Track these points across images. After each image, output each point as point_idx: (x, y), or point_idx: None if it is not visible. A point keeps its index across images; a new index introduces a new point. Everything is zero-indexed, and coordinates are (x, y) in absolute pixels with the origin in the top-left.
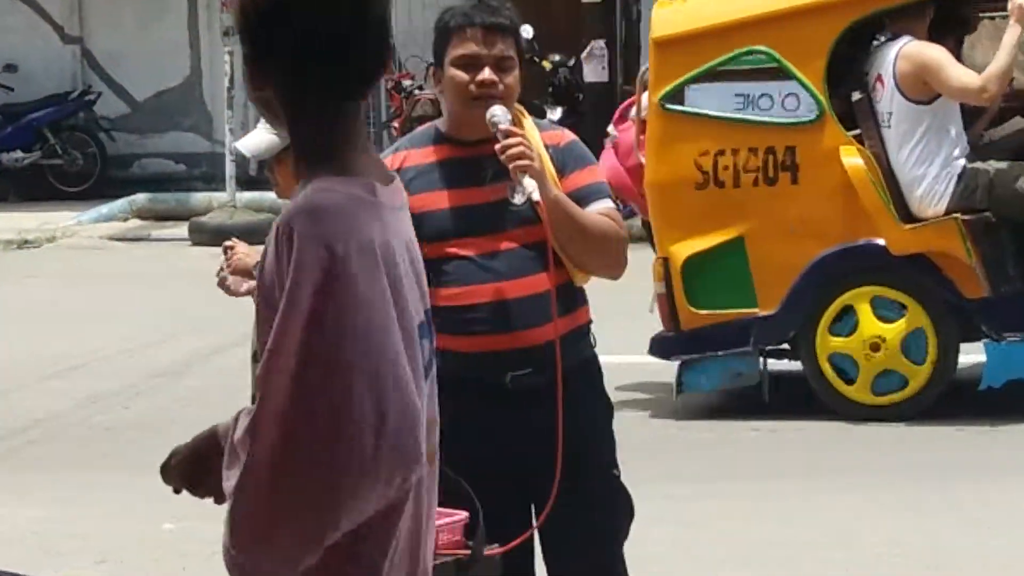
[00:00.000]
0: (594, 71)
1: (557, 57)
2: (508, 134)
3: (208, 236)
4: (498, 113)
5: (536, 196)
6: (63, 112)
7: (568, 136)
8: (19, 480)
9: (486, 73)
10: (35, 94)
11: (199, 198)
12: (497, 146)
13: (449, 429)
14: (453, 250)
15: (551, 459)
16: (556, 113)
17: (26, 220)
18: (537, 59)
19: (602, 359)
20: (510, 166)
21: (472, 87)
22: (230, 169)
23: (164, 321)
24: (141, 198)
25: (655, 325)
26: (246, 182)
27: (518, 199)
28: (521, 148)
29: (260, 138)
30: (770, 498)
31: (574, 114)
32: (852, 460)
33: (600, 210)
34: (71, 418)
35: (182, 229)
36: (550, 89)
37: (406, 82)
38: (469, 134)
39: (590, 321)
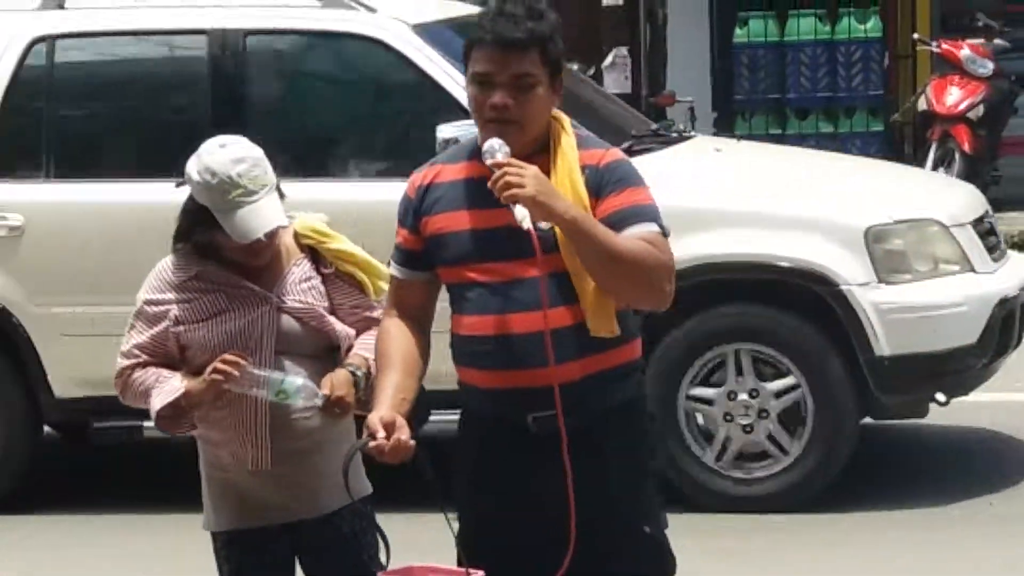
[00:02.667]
0: (616, 81)
1: (576, 66)
2: (497, 166)
3: None
4: (493, 146)
5: (527, 224)
6: None
7: (611, 156)
8: (27, 496)
9: (496, 97)
10: None
11: None
12: (489, 183)
13: (476, 470)
14: (472, 275)
15: (587, 507)
16: None
17: None
18: None
19: None
20: (499, 197)
21: (486, 109)
22: None
23: None
24: None
25: None
26: None
27: (525, 224)
28: (507, 178)
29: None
30: None
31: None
32: None
33: (638, 234)
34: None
35: None
36: None
37: None
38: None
39: (635, 359)
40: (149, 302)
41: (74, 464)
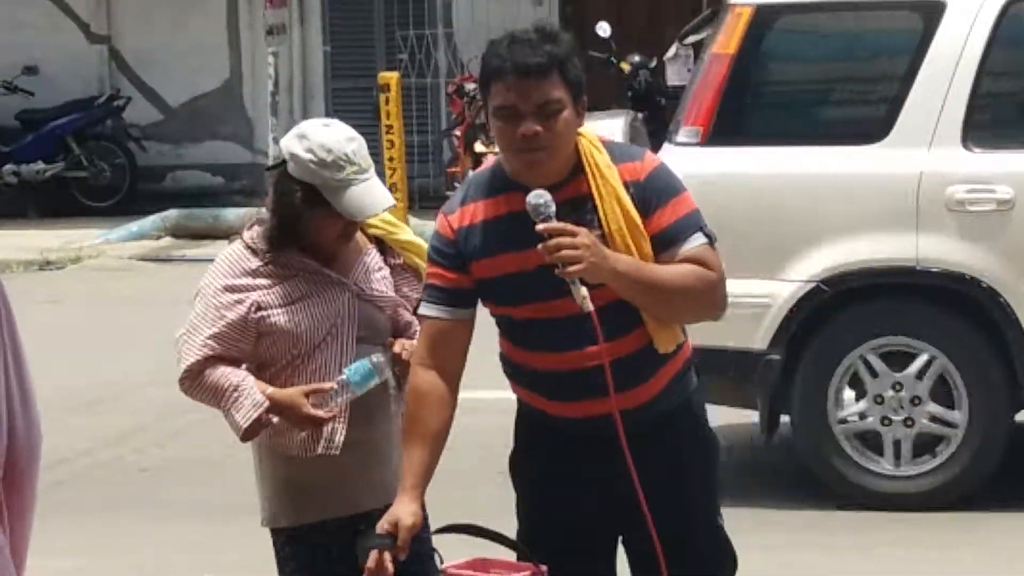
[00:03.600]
0: (678, 73)
1: (637, 58)
2: (549, 234)
3: None
4: (539, 206)
5: (588, 307)
6: (89, 119)
7: (649, 165)
8: (43, 527)
9: (527, 127)
10: (58, 99)
11: (238, 214)
12: (540, 246)
13: (539, 470)
14: (526, 314)
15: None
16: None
17: (48, 238)
18: (615, 60)
19: None
20: (556, 272)
21: (515, 140)
22: None
23: None
24: (174, 214)
25: None
26: None
27: (586, 307)
28: (563, 252)
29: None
30: (883, 549)
31: (656, 120)
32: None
33: (686, 253)
34: (100, 457)
35: (219, 248)
36: (629, 93)
37: (468, 85)
38: (529, 179)
39: (690, 356)
40: (228, 288)
41: None
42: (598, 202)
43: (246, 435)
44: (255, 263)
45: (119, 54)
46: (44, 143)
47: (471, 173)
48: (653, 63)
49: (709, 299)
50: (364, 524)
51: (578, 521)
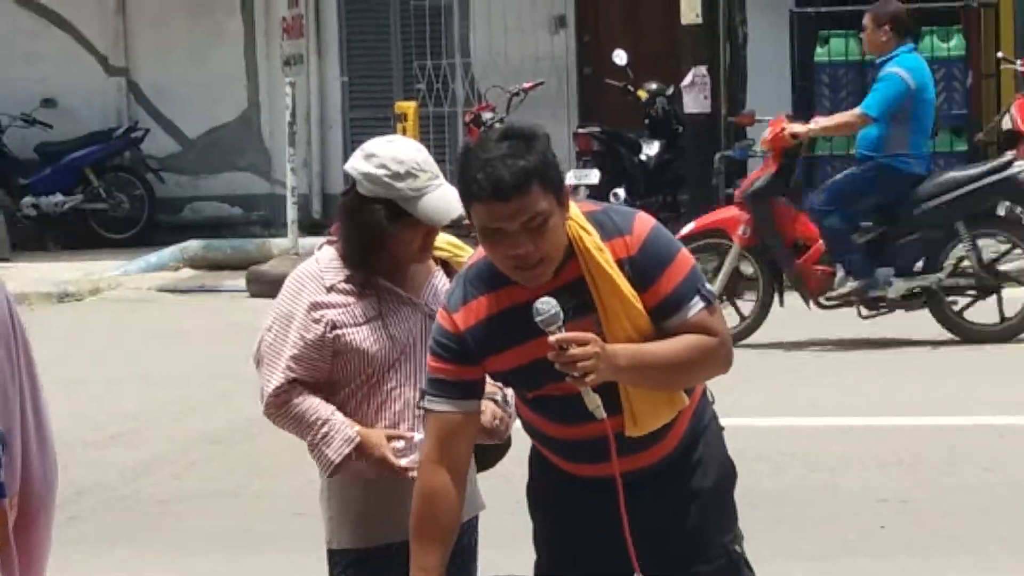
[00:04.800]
0: (695, 101)
1: (654, 85)
2: (561, 345)
3: (268, 287)
4: (547, 317)
5: (602, 415)
6: (107, 151)
7: (640, 236)
8: (61, 558)
9: (517, 247)
10: (76, 131)
11: (257, 245)
12: (551, 355)
13: (558, 509)
14: (538, 393)
15: (662, 541)
16: (653, 147)
17: (67, 270)
18: (632, 88)
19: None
20: (568, 380)
21: (507, 260)
22: (292, 213)
23: (220, 381)
24: (193, 245)
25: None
26: (309, 226)
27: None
28: (578, 364)
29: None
30: None
31: (673, 148)
32: (1000, 532)
33: (690, 322)
34: (118, 490)
35: (239, 279)
36: (647, 121)
37: (486, 115)
38: (528, 283)
39: (701, 393)
40: (306, 309)
41: None
42: (592, 288)
43: (335, 470)
44: (329, 283)
45: (137, 86)
46: (63, 175)
47: (464, 267)
48: (670, 90)
49: (713, 364)
50: None
51: (594, 554)
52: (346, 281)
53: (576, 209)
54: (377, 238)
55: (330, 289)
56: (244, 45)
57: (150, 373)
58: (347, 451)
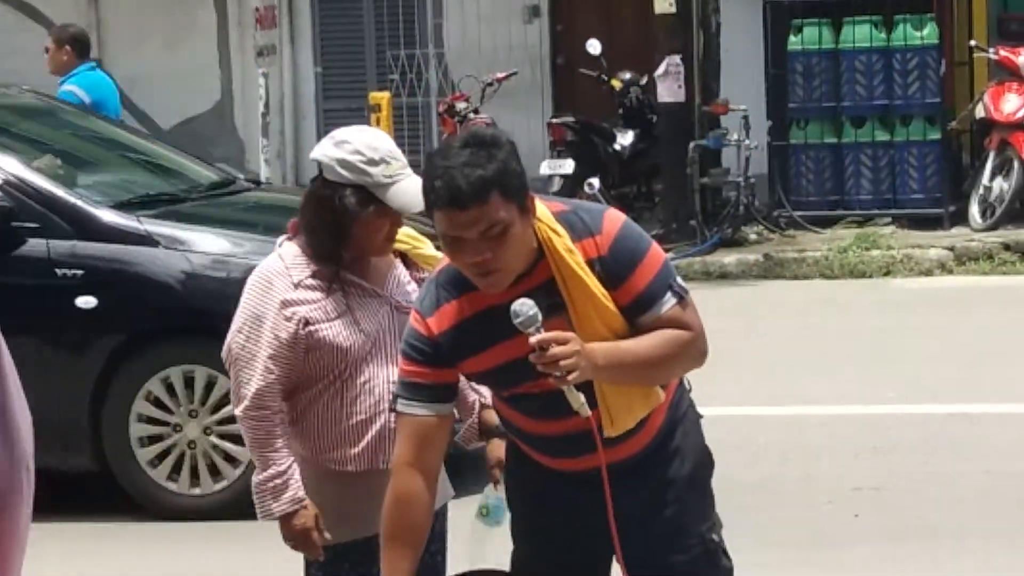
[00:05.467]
0: (669, 90)
1: (628, 75)
2: (541, 345)
3: None
4: (526, 317)
5: (586, 412)
6: None
7: (609, 235)
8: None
9: (475, 255)
10: None
11: None
12: (532, 356)
13: (535, 498)
14: (516, 392)
15: (639, 529)
16: (627, 137)
17: None
18: (605, 77)
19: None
20: (551, 380)
21: (467, 266)
22: None
23: None
24: None
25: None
26: None
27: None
28: (560, 363)
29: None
30: (874, 566)
31: (648, 137)
32: (976, 520)
33: (663, 318)
34: None
35: None
36: (620, 111)
37: (460, 104)
38: (487, 290)
39: (677, 386)
40: (276, 306)
41: None
42: (563, 290)
43: (268, 519)
44: (297, 279)
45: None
46: None
47: (435, 271)
48: (644, 80)
49: (689, 357)
50: None
51: (571, 545)
52: (313, 276)
53: (545, 210)
54: (345, 225)
55: (298, 285)
56: (217, 36)
57: None
58: (289, 511)
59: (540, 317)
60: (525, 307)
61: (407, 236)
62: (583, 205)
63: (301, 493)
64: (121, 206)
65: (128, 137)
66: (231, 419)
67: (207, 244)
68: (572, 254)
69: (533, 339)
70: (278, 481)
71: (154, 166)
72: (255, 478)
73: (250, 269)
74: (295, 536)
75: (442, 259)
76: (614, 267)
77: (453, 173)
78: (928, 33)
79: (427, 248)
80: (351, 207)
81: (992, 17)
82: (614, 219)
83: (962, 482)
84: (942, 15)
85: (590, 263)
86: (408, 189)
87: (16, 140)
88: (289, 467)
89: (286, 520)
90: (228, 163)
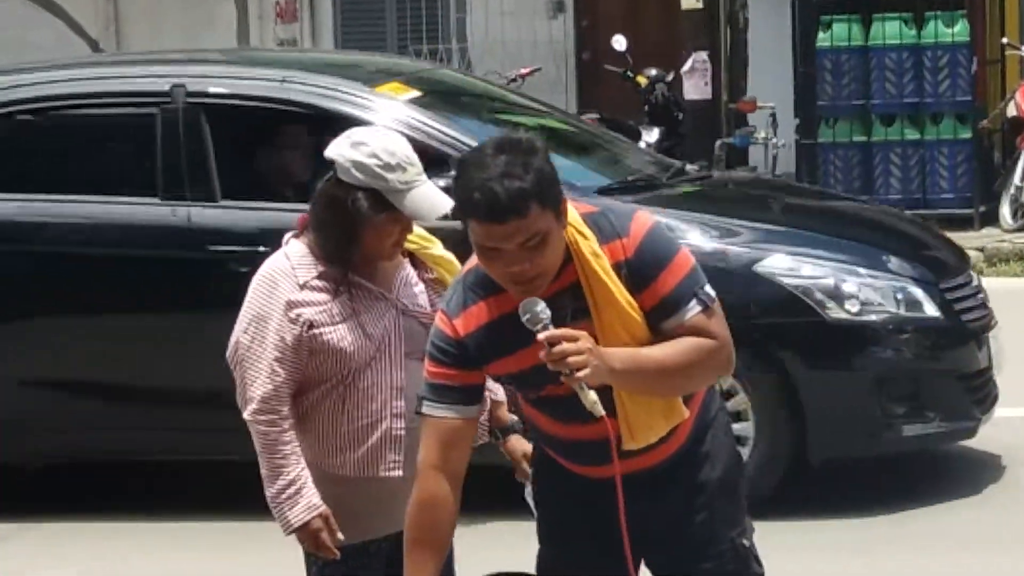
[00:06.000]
0: (696, 87)
1: (654, 71)
2: (550, 342)
3: None
4: (532, 314)
5: (599, 411)
6: None
7: (637, 237)
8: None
9: (514, 266)
10: None
11: None
12: (542, 354)
13: (560, 501)
14: (542, 394)
15: (669, 534)
16: (653, 134)
17: None
18: (631, 74)
19: None
20: (561, 379)
21: (506, 276)
22: None
23: None
24: None
25: None
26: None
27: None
28: (568, 360)
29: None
30: None
31: (674, 135)
32: None
33: (686, 324)
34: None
35: None
36: (646, 107)
37: None
38: (524, 296)
39: (710, 392)
40: (282, 308)
41: None
42: (587, 294)
43: (290, 532)
44: (303, 280)
45: None
46: None
47: (462, 272)
48: (670, 76)
49: (712, 367)
50: (399, 544)
51: (596, 550)
52: (319, 278)
53: (574, 212)
54: (355, 228)
55: (303, 286)
56: (237, 30)
57: None
58: (307, 519)
59: (548, 315)
60: (535, 306)
61: (416, 236)
62: (612, 207)
63: (316, 499)
64: (604, 191)
65: (565, 125)
66: None
67: (695, 236)
68: (598, 258)
69: (541, 336)
70: (291, 490)
71: (604, 151)
72: (268, 492)
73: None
74: (308, 539)
75: (469, 260)
76: (640, 269)
77: (492, 186)
78: (959, 30)
79: (436, 248)
80: (363, 210)
81: None
82: (643, 221)
83: None
84: (973, 12)
85: (617, 267)
86: (422, 197)
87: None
88: (300, 473)
89: (303, 526)
90: None
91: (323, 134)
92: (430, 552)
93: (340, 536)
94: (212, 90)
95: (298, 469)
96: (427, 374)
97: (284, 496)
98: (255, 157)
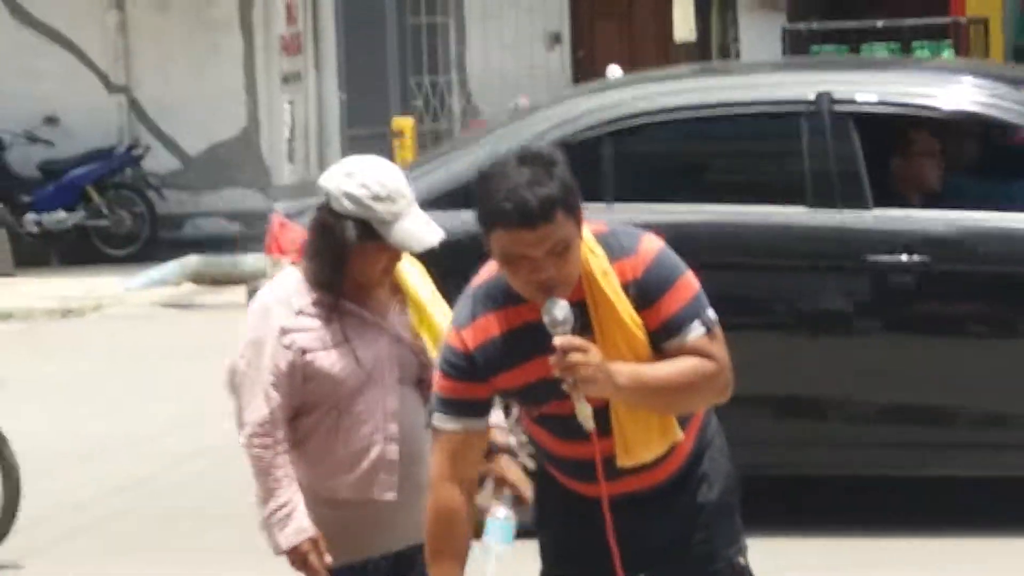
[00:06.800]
0: None
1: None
2: (564, 348)
3: None
4: (560, 318)
5: (590, 426)
6: (108, 168)
7: (645, 258)
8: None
9: (541, 272)
10: (77, 149)
11: (257, 260)
12: (552, 359)
13: (563, 520)
14: (545, 411)
15: (668, 553)
16: None
17: (69, 287)
18: None
19: None
20: (563, 387)
21: (531, 284)
22: None
23: (219, 396)
24: (194, 261)
25: None
26: None
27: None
28: (579, 372)
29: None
30: None
31: None
32: None
33: (689, 345)
34: (114, 505)
35: (239, 294)
36: None
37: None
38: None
39: (707, 414)
40: (276, 334)
41: None
42: (592, 311)
43: (279, 553)
44: (297, 307)
45: (138, 103)
46: (65, 192)
47: (471, 285)
48: None
49: (711, 390)
50: (400, 559)
51: (596, 569)
52: (313, 304)
53: (585, 230)
54: (344, 255)
55: (298, 313)
56: (244, 63)
57: (149, 389)
58: (296, 541)
59: (572, 320)
60: (563, 311)
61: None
62: (621, 228)
63: (306, 523)
64: None
65: None
66: None
67: None
68: (607, 276)
69: (558, 340)
70: (282, 513)
71: None
72: (261, 513)
73: None
74: (297, 561)
75: (477, 275)
76: (646, 289)
77: (521, 193)
78: (945, 59)
79: (413, 268)
80: (351, 239)
81: (1009, 44)
82: (651, 243)
83: None
84: (959, 42)
85: (625, 286)
86: (410, 228)
87: None
88: (291, 497)
89: (292, 548)
90: (254, 188)
91: (980, 142)
92: (451, 562)
93: (329, 559)
94: (859, 98)
95: (290, 492)
96: (437, 387)
97: (275, 518)
98: (891, 164)
